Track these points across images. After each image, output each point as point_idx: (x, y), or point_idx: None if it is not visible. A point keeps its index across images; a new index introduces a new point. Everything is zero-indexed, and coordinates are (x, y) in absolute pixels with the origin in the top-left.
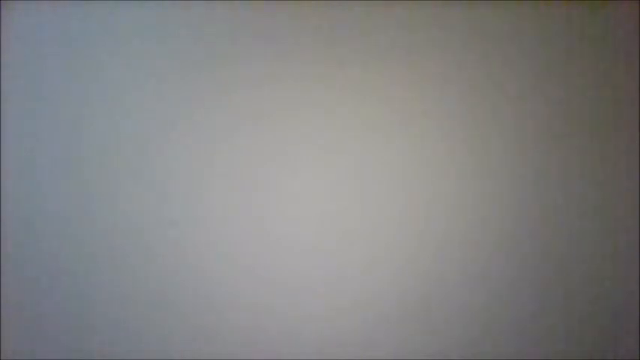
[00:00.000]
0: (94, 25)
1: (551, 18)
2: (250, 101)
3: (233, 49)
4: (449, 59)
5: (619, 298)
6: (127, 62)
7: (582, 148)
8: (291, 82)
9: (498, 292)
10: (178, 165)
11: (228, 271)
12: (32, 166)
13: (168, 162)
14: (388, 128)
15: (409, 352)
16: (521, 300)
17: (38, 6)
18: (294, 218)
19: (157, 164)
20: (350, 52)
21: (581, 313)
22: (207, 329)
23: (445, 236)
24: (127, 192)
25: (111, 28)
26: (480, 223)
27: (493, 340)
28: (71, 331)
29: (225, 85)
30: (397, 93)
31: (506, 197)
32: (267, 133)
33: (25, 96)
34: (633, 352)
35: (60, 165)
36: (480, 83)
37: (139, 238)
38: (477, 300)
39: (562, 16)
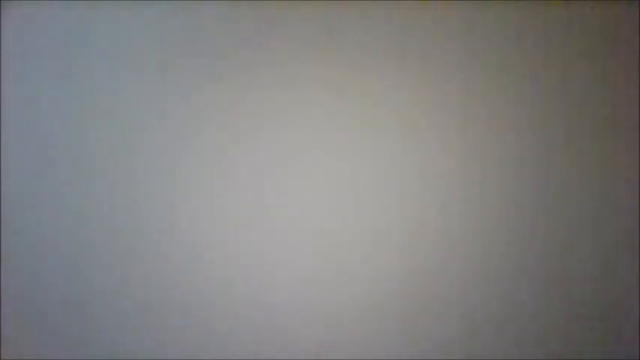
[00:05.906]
0: (94, 25)
1: (551, 18)
2: (252, 103)
3: (233, 51)
4: (448, 60)
5: (619, 298)
6: (128, 63)
7: (582, 148)
8: (292, 85)
9: (497, 291)
10: (181, 165)
11: (231, 269)
12: (32, 165)
13: (171, 162)
14: (388, 129)
15: (409, 349)
16: (521, 300)
17: (38, 6)
18: (296, 217)
19: (159, 165)
20: (350, 54)
21: (581, 313)
22: (209, 327)
23: (445, 235)
24: (130, 192)
25: (111, 28)
26: (479, 222)
27: (493, 339)
28: (71, 331)
29: (226, 87)
30: (397, 94)
31: (505, 197)
32: (269, 134)
33: (25, 96)
34: (633, 352)
35: (60, 164)
36: (479, 84)
37: (142, 237)
38: (477, 300)
39: (562, 16)
